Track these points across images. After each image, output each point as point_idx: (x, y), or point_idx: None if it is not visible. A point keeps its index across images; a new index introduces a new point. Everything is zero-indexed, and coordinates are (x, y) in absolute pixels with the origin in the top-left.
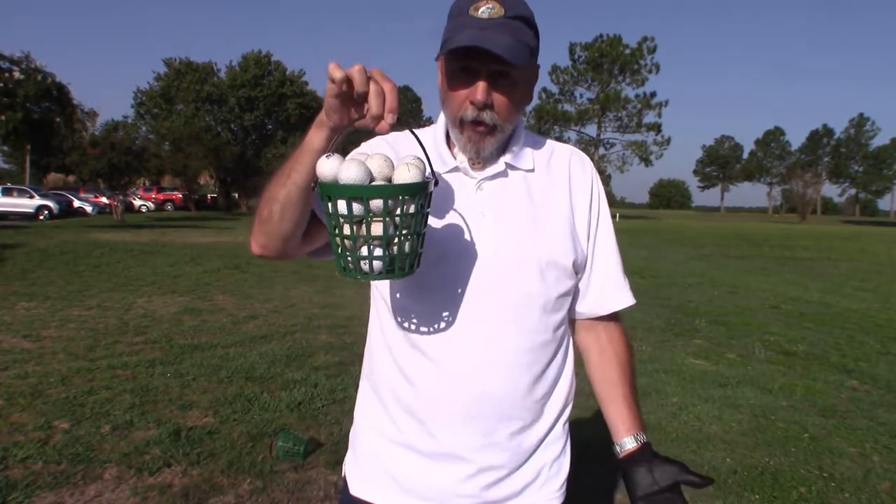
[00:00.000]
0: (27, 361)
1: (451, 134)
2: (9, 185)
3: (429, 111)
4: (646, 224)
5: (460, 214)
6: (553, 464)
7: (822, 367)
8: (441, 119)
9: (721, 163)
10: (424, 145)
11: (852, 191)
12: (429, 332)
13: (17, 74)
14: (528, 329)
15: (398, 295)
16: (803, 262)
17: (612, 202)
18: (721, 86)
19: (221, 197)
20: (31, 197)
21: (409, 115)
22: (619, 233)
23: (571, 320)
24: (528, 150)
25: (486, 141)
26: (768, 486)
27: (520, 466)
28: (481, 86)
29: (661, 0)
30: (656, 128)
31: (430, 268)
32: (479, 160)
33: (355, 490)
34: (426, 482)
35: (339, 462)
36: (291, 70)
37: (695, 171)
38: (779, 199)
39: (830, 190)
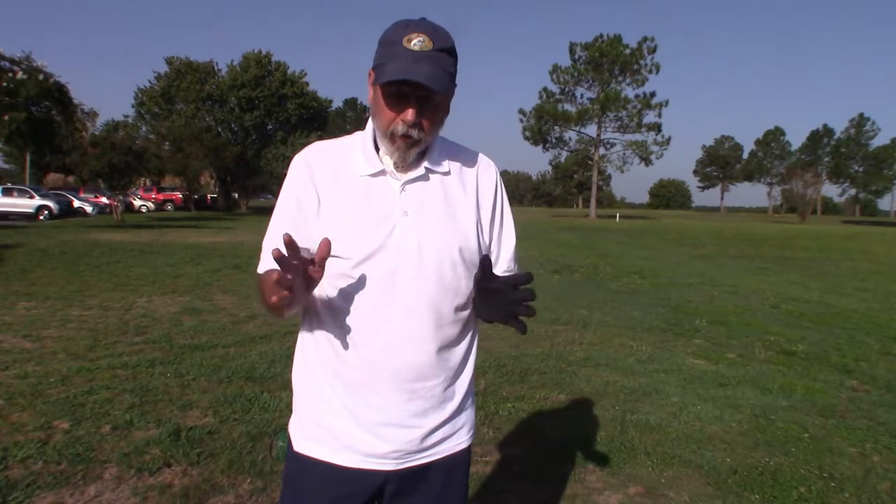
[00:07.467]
0: (27, 361)
1: (378, 141)
2: (9, 185)
3: None
4: (646, 224)
5: (386, 213)
6: (462, 415)
7: (822, 367)
8: (369, 126)
9: (721, 163)
10: (354, 148)
11: (852, 191)
12: (359, 315)
13: (19, 74)
14: (441, 310)
15: (336, 284)
16: (803, 262)
17: (612, 202)
18: (721, 86)
19: (221, 197)
20: (31, 197)
21: None
22: (620, 233)
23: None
24: (444, 156)
25: (411, 151)
26: (768, 486)
27: (438, 421)
28: (411, 110)
29: (661, 0)
30: (656, 128)
31: (361, 261)
32: (404, 165)
33: (299, 447)
34: (362, 439)
35: None
36: (292, 70)
37: (695, 171)
38: (779, 199)
39: (830, 190)
